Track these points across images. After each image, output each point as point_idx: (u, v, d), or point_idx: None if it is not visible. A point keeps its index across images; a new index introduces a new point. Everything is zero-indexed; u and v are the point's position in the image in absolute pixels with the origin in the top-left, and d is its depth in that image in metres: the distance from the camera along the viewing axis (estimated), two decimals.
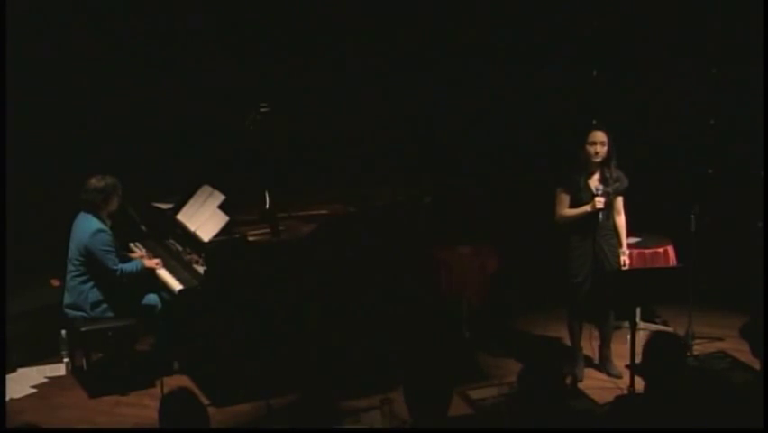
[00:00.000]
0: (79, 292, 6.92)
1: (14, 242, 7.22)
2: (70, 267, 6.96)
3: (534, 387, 4.39)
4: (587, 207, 6.79)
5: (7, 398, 6.79)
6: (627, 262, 7.01)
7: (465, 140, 8.98)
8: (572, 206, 6.88)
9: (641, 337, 6.20)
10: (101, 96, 8.22)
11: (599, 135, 6.79)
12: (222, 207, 6.85)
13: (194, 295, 6.65)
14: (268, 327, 6.70)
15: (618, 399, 4.93)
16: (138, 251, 7.32)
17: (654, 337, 5.04)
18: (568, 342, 7.25)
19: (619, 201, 6.96)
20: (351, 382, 6.78)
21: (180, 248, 7.16)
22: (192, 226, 6.94)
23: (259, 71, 8.30)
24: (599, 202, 6.74)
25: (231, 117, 7.42)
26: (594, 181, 6.86)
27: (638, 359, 4.87)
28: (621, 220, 6.99)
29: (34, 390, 7.07)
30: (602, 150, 6.78)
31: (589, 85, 8.83)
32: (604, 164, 6.83)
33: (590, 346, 7.21)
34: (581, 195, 6.84)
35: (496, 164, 9.01)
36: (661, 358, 4.64)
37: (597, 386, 6.90)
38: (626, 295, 6.46)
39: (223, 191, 6.95)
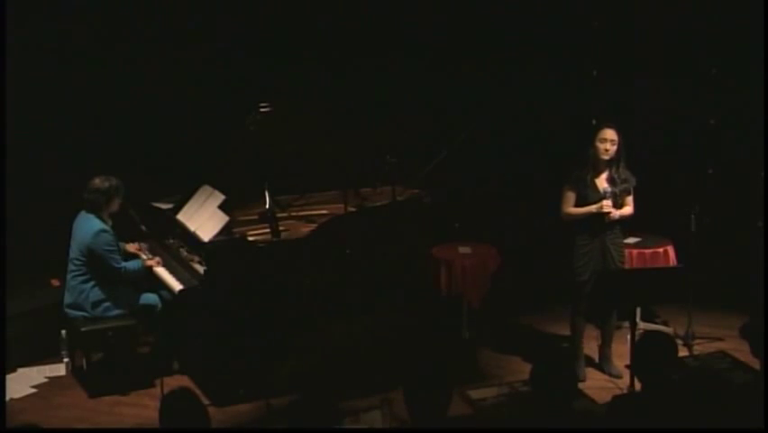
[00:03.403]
0: (80, 292, 6.92)
1: (14, 242, 7.22)
2: (71, 267, 6.97)
3: (547, 387, 4.39)
4: (592, 208, 6.77)
5: (7, 398, 6.79)
6: (609, 203, 6.76)
7: (464, 140, 8.98)
8: (578, 203, 6.84)
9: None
10: (101, 96, 8.21)
11: (610, 133, 6.72)
12: (222, 207, 6.86)
13: (194, 295, 6.66)
14: (268, 327, 6.71)
15: (616, 398, 4.92)
16: (133, 244, 7.30)
17: (645, 337, 5.04)
18: (568, 342, 7.26)
19: (628, 199, 6.91)
20: (351, 382, 6.79)
21: (180, 248, 7.16)
22: (192, 226, 6.94)
23: (259, 70, 8.30)
24: (607, 206, 6.71)
25: (231, 117, 7.42)
26: (602, 181, 6.81)
27: None
28: (628, 209, 6.94)
29: (34, 390, 7.07)
30: (612, 148, 6.71)
31: (590, 85, 8.83)
32: (613, 164, 6.78)
33: (591, 346, 7.22)
34: (588, 193, 6.79)
35: (496, 164, 9.01)
36: (651, 358, 4.64)
37: (597, 386, 6.91)
38: (626, 295, 6.45)
39: (223, 191, 6.95)
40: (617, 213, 6.79)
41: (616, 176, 6.79)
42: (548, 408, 4.39)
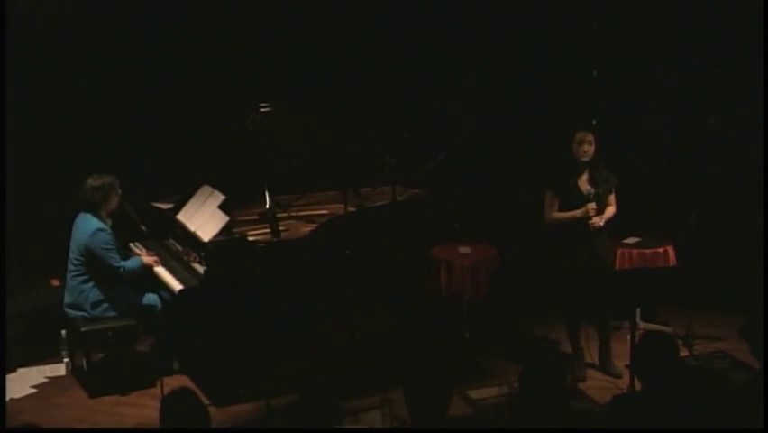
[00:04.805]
0: (80, 292, 6.92)
1: (14, 242, 7.22)
2: (71, 267, 6.97)
3: (535, 387, 4.39)
4: (576, 213, 6.81)
5: (7, 398, 6.79)
6: (593, 206, 6.82)
7: (464, 140, 8.98)
8: (562, 207, 6.89)
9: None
10: (101, 96, 8.21)
11: (587, 135, 6.80)
12: (222, 207, 6.86)
13: (194, 295, 6.66)
14: (267, 327, 6.71)
15: (616, 398, 4.92)
16: (137, 250, 7.31)
17: (646, 337, 5.04)
18: (568, 342, 7.25)
19: (611, 198, 6.97)
20: (351, 382, 6.79)
21: (180, 248, 7.16)
22: (192, 226, 6.94)
23: (259, 71, 8.29)
24: (592, 210, 6.76)
25: (231, 117, 7.42)
26: (583, 182, 6.88)
27: None
28: (612, 210, 6.98)
29: (34, 390, 7.07)
30: (590, 149, 6.80)
31: (590, 85, 8.83)
32: (592, 164, 6.85)
33: (590, 346, 7.21)
34: (571, 195, 6.86)
35: (496, 164, 9.01)
36: (652, 358, 4.64)
37: (597, 386, 6.91)
38: (625, 295, 6.46)
39: (223, 191, 6.95)
40: (601, 220, 6.84)
41: (597, 176, 6.85)
42: (538, 409, 4.39)
